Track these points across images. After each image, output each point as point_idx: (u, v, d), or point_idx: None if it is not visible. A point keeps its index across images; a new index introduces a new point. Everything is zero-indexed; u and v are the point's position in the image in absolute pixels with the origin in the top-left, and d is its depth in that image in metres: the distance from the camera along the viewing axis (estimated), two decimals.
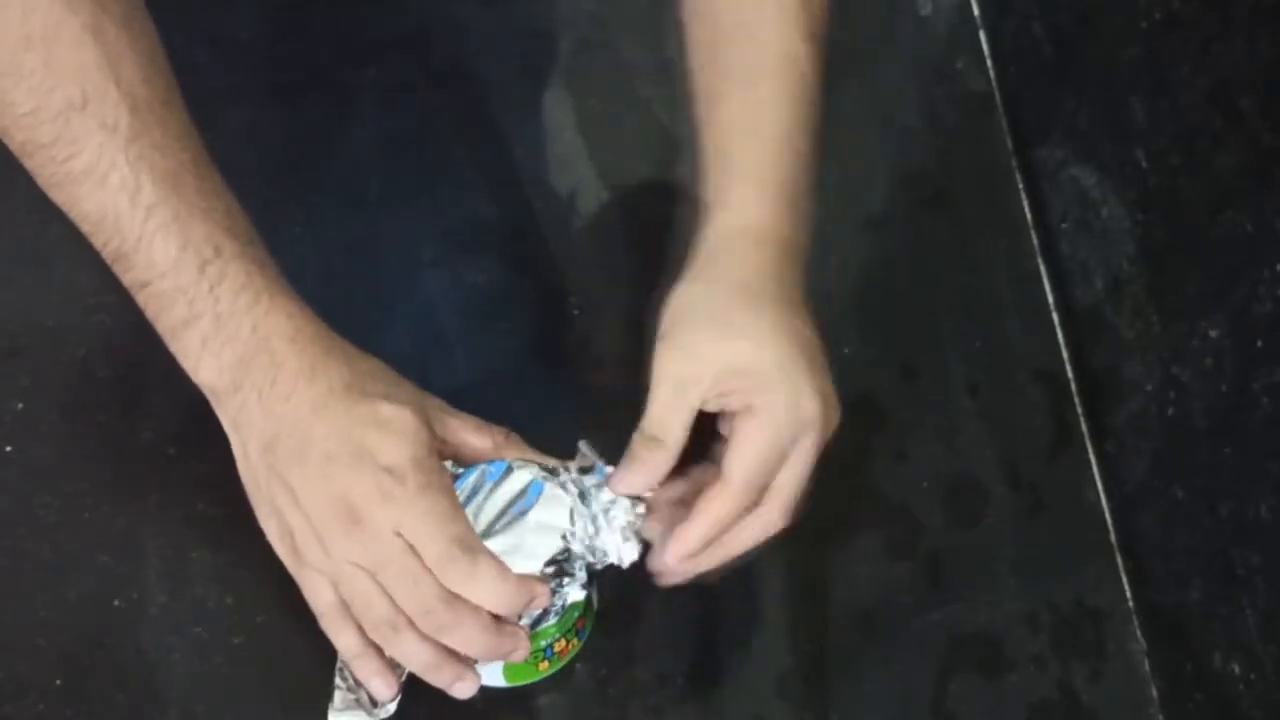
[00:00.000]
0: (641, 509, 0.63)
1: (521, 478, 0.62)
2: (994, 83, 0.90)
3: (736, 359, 0.62)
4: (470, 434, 0.65)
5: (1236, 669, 0.68)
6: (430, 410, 0.63)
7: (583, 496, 0.62)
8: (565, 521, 0.62)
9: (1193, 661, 0.72)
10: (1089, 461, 0.80)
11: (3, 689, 0.65)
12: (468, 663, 0.62)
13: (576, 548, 0.62)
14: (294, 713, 0.67)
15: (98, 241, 0.60)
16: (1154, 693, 0.74)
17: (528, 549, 0.61)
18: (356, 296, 0.76)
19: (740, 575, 0.73)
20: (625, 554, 0.62)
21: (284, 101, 0.81)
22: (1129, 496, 0.78)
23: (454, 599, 0.59)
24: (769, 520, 0.63)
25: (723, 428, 0.64)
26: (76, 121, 0.57)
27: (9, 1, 0.56)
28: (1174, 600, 0.74)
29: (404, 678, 0.63)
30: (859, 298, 0.81)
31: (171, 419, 0.71)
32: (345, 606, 0.61)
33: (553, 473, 0.63)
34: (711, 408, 0.63)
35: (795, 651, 0.72)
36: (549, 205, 0.80)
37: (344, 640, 0.62)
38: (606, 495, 0.62)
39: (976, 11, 0.92)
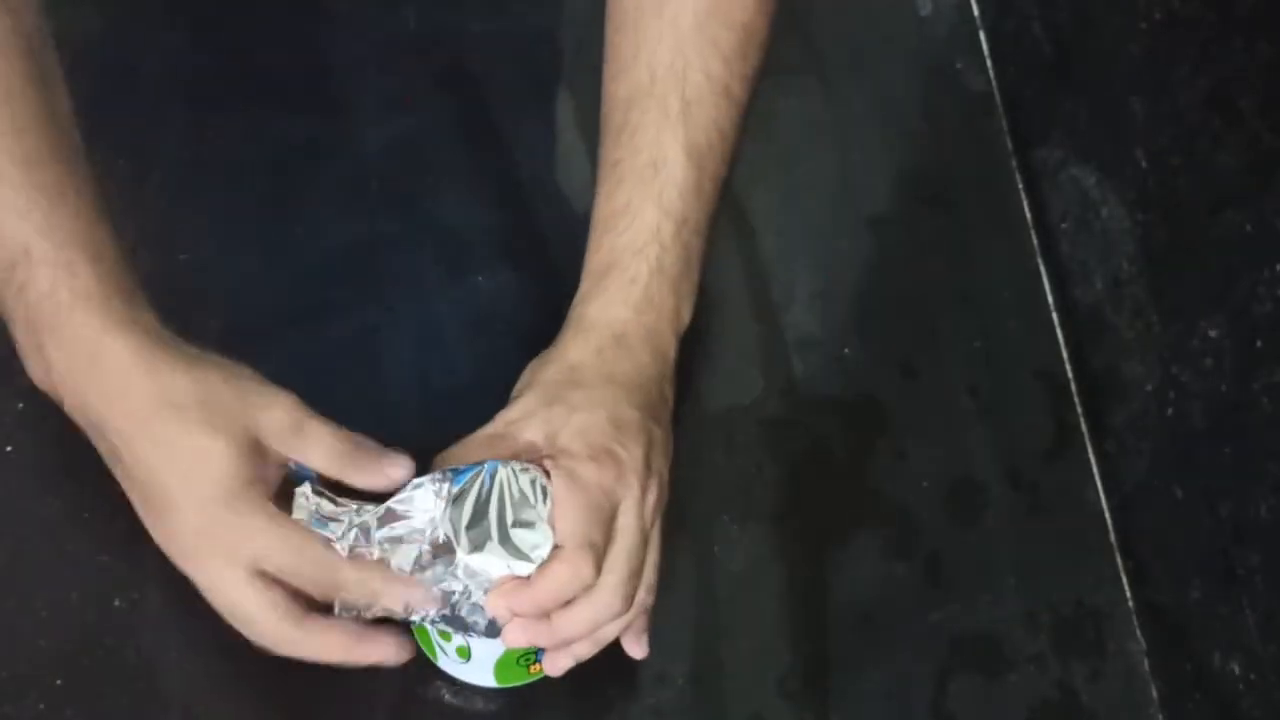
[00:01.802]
0: None
1: (524, 480, 0.62)
2: (994, 83, 0.90)
3: (552, 422, 0.62)
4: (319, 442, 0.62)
5: (1236, 669, 0.68)
6: (266, 426, 0.59)
7: None
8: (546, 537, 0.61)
9: (1193, 661, 0.72)
10: (1089, 461, 0.80)
11: (3, 688, 0.65)
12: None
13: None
14: (294, 713, 0.67)
15: None
16: (1154, 693, 0.74)
17: (529, 550, 0.61)
18: (357, 297, 0.76)
19: (740, 575, 0.73)
20: None
21: (285, 103, 0.81)
22: (1129, 496, 0.78)
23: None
24: (602, 601, 0.61)
25: None
26: None
27: None
28: (1174, 600, 0.74)
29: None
30: (859, 298, 0.82)
31: None
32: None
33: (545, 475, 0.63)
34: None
35: (795, 651, 0.72)
36: (550, 206, 0.80)
37: (313, 637, 0.61)
38: None
39: (976, 11, 0.92)
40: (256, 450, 0.58)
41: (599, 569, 0.61)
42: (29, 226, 0.57)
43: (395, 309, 0.76)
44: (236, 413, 0.58)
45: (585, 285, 0.67)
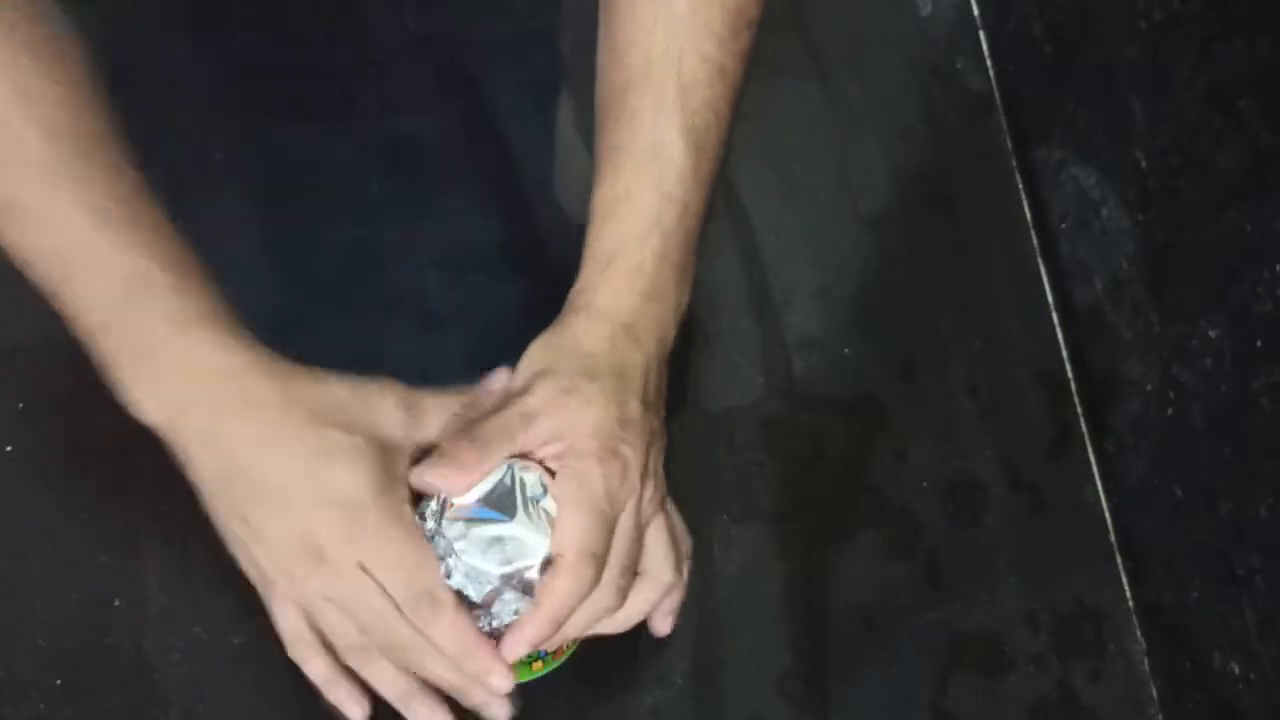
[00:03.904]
0: None
1: (531, 478, 0.62)
2: (994, 83, 0.90)
3: (567, 414, 0.62)
4: (437, 417, 0.64)
5: (1236, 669, 0.68)
6: (386, 421, 0.61)
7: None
8: (545, 535, 0.62)
9: (1193, 661, 0.72)
10: (1089, 461, 0.80)
11: (3, 689, 0.65)
12: (441, 698, 0.63)
13: (543, 564, 0.61)
14: (294, 713, 0.67)
15: (35, 279, 0.59)
16: (1154, 693, 0.74)
17: (527, 548, 0.61)
18: (358, 298, 0.76)
19: (740, 574, 0.73)
20: None
21: (285, 104, 0.81)
22: (1129, 496, 0.78)
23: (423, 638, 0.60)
24: (598, 598, 0.62)
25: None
26: None
27: None
28: (1174, 600, 0.74)
29: None
30: (859, 298, 0.82)
31: None
32: (313, 633, 0.62)
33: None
34: (541, 454, 0.63)
35: (795, 651, 0.72)
36: (549, 206, 0.80)
37: (313, 667, 0.63)
38: None
39: (976, 11, 0.92)
40: (384, 448, 0.60)
41: (600, 575, 0.61)
42: (141, 259, 0.59)
43: (395, 308, 0.76)
44: (359, 410, 0.61)
45: (588, 272, 0.67)
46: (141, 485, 0.70)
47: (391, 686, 0.62)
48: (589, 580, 0.61)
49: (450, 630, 0.60)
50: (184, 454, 0.61)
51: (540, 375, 0.64)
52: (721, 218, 0.82)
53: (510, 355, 0.71)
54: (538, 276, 0.78)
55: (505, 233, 0.80)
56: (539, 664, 0.66)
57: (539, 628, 0.61)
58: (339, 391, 0.61)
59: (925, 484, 0.77)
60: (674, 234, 0.66)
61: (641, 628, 0.67)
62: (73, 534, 0.69)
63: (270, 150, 0.79)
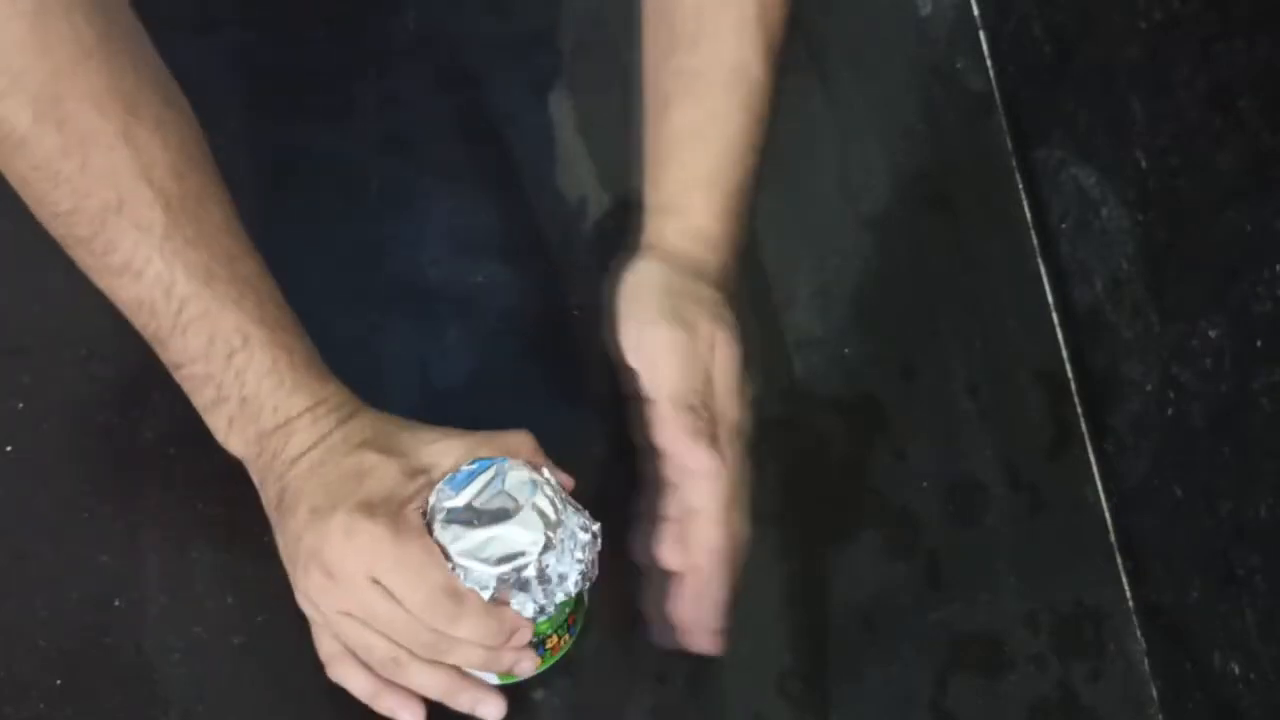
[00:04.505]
0: (591, 540, 0.63)
1: (516, 477, 0.62)
2: (994, 83, 0.90)
3: (693, 379, 0.65)
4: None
5: (1236, 669, 0.68)
6: (427, 452, 0.63)
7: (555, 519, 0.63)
8: (539, 533, 0.61)
9: (1193, 661, 0.72)
10: (1089, 461, 0.80)
11: (3, 689, 0.65)
12: (484, 684, 0.64)
13: (539, 561, 0.61)
14: (294, 713, 0.67)
15: (136, 324, 0.62)
16: (1154, 693, 0.74)
17: (522, 547, 0.61)
18: (357, 298, 0.76)
19: (740, 574, 0.73)
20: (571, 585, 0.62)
21: (285, 104, 0.81)
22: (1129, 496, 0.78)
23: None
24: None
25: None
26: (112, 222, 0.59)
27: (45, 113, 0.58)
28: (1174, 600, 0.74)
29: None
30: (859, 298, 0.82)
31: (171, 419, 0.71)
32: (348, 651, 0.63)
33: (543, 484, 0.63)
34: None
35: (795, 651, 0.72)
36: (549, 206, 0.80)
37: (354, 683, 0.64)
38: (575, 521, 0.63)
39: (976, 11, 0.92)
40: (412, 471, 0.62)
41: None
42: (246, 317, 0.62)
43: (395, 309, 0.76)
44: (406, 442, 0.63)
45: (695, 197, 0.67)
46: (141, 485, 0.70)
47: (433, 687, 0.63)
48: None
49: (480, 621, 0.60)
50: (259, 480, 0.64)
51: (700, 324, 0.65)
52: None
53: (509, 355, 0.71)
54: (537, 276, 0.78)
55: (505, 232, 0.80)
56: (538, 660, 0.66)
57: (715, 594, 0.64)
58: (392, 427, 0.64)
59: (925, 484, 0.77)
60: (755, 153, 0.67)
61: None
62: (73, 534, 0.69)
63: (271, 150, 0.79)
